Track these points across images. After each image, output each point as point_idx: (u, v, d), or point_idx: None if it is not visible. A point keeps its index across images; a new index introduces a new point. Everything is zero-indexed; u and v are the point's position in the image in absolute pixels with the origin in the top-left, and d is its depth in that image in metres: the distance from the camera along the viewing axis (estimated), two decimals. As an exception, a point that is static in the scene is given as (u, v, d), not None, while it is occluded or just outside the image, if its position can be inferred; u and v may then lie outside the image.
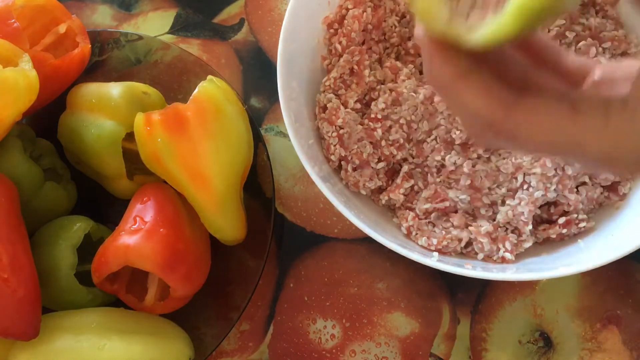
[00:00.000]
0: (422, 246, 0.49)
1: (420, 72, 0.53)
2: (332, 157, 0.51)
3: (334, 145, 0.50)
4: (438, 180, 0.50)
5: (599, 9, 0.54)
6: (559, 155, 0.30)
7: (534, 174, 0.48)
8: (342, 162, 0.51)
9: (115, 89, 0.51)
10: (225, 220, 0.49)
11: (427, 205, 0.50)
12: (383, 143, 0.51)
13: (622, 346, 0.51)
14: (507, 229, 0.49)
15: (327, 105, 0.52)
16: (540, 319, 0.52)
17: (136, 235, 0.46)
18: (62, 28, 0.55)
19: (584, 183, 0.49)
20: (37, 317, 0.45)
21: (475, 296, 0.53)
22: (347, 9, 0.54)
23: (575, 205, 0.48)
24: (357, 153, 0.51)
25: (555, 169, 0.48)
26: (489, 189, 0.49)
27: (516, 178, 0.49)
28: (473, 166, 0.49)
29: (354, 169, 0.51)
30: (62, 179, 0.54)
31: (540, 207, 0.49)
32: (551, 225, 0.49)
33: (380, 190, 0.52)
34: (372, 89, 0.53)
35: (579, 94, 0.29)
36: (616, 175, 0.31)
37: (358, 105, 0.52)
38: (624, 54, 0.52)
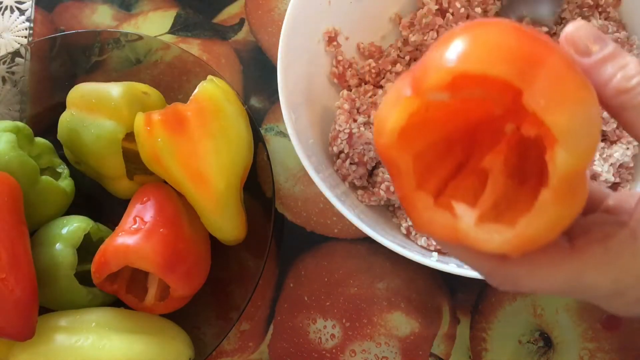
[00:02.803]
0: (421, 246, 0.49)
1: None
2: (334, 148, 0.51)
3: (342, 140, 0.50)
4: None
5: (601, 10, 0.54)
6: (564, 295, 0.28)
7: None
8: (342, 154, 0.51)
9: (115, 89, 0.51)
10: (225, 220, 0.49)
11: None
12: None
13: (622, 346, 0.51)
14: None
15: (358, 102, 0.52)
16: (540, 319, 0.52)
17: (136, 235, 0.46)
18: None
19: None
20: (33, 318, 0.45)
21: (475, 296, 0.53)
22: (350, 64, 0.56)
23: (575, 206, 0.48)
24: (360, 153, 0.51)
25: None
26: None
27: (516, 179, 0.49)
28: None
29: (350, 164, 0.51)
30: (60, 176, 0.54)
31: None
32: (551, 226, 0.49)
33: (363, 188, 0.52)
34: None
35: (575, 227, 0.27)
36: (621, 313, 0.29)
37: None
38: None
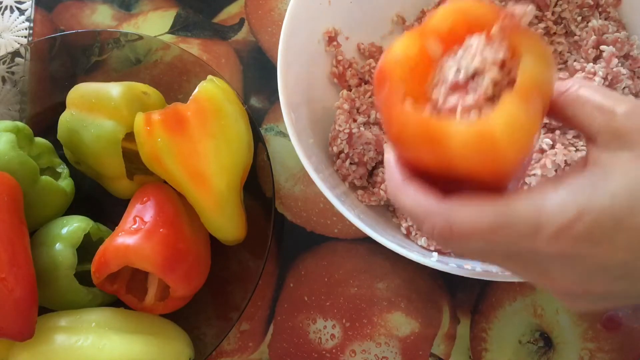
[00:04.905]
0: (421, 246, 0.49)
1: None
2: (334, 148, 0.51)
3: (342, 140, 0.50)
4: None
5: (601, 10, 0.54)
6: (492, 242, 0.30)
7: (534, 175, 0.48)
8: (342, 154, 0.51)
9: (115, 89, 0.51)
10: (225, 220, 0.49)
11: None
12: None
13: (622, 346, 0.51)
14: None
15: (357, 102, 0.52)
16: (540, 319, 0.52)
17: (136, 235, 0.46)
18: None
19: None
20: (33, 318, 0.45)
21: (475, 296, 0.53)
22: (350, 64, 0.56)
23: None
24: (360, 153, 0.51)
25: (556, 170, 0.48)
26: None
27: (516, 179, 0.49)
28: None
29: (350, 164, 0.51)
30: (60, 176, 0.54)
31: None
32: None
33: (363, 188, 0.52)
34: None
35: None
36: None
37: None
38: (627, 56, 0.52)
